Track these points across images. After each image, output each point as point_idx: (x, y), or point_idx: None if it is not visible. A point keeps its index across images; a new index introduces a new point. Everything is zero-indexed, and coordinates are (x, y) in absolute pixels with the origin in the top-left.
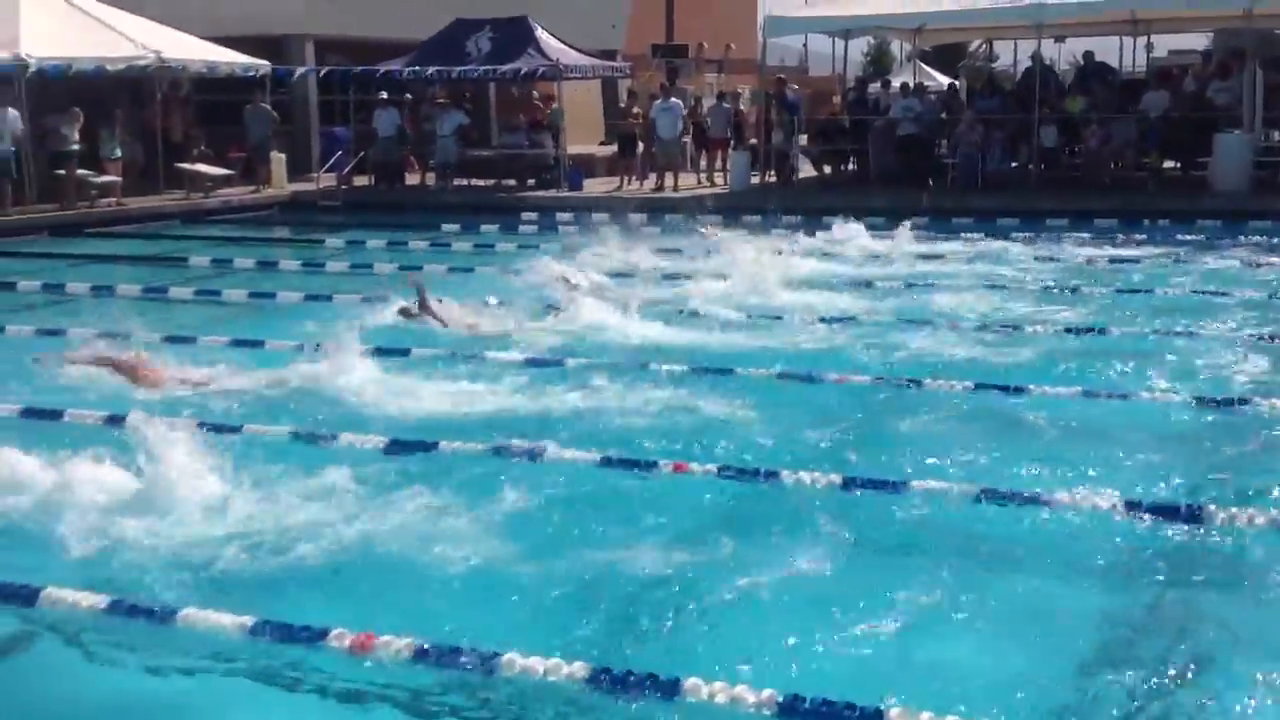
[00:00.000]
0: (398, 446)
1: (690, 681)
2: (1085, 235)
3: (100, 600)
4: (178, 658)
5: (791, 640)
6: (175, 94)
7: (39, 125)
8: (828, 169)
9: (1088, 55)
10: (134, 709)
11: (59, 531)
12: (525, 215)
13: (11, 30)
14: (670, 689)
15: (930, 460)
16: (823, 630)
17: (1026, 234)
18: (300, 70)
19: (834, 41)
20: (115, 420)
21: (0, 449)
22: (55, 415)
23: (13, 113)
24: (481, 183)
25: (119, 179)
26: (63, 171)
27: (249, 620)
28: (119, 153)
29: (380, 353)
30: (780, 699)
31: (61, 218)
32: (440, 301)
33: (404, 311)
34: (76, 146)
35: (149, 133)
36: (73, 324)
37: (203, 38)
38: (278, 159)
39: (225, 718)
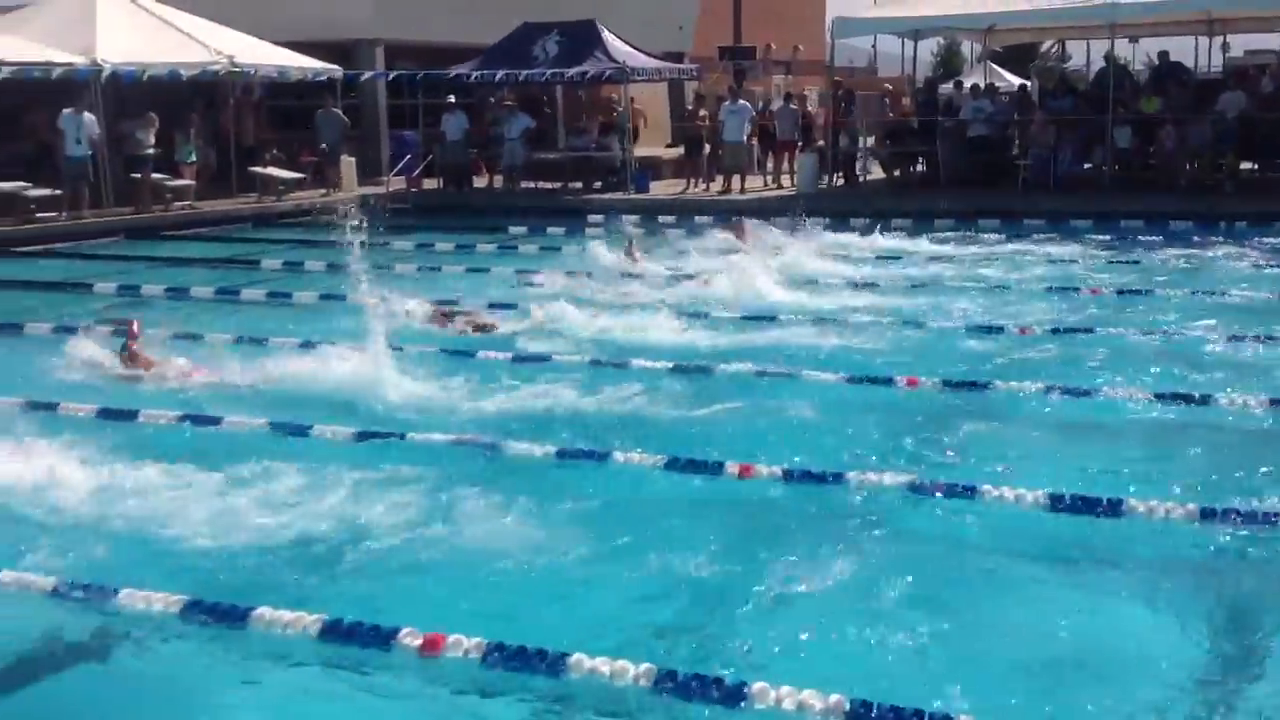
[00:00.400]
0: (463, 446)
1: (757, 685)
2: (1159, 238)
3: (176, 600)
4: (251, 657)
5: (859, 645)
6: (248, 98)
7: (115, 130)
8: (896, 171)
9: (1163, 55)
10: (207, 708)
11: (131, 532)
12: (591, 217)
13: (88, 36)
14: (737, 693)
15: (1002, 466)
16: (892, 636)
17: (1100, 236)
18: (369, 74)
19: (903, 42)
20: (199, 421)
21: (80, 449)
22: (130, 416)
23: (89, 117)
24: (549, 185)
25: (193, 183)
26: (138, 175)
27: (321, 619)
28: (193, 157)
29: (445, 353)
30: (848, 705)
31: (137, 221)
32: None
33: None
34: (152, 151)
35: (222, 137)
36: (148, 326)
37: (275, 43)
38: (348, 162)
39: (297, 717)
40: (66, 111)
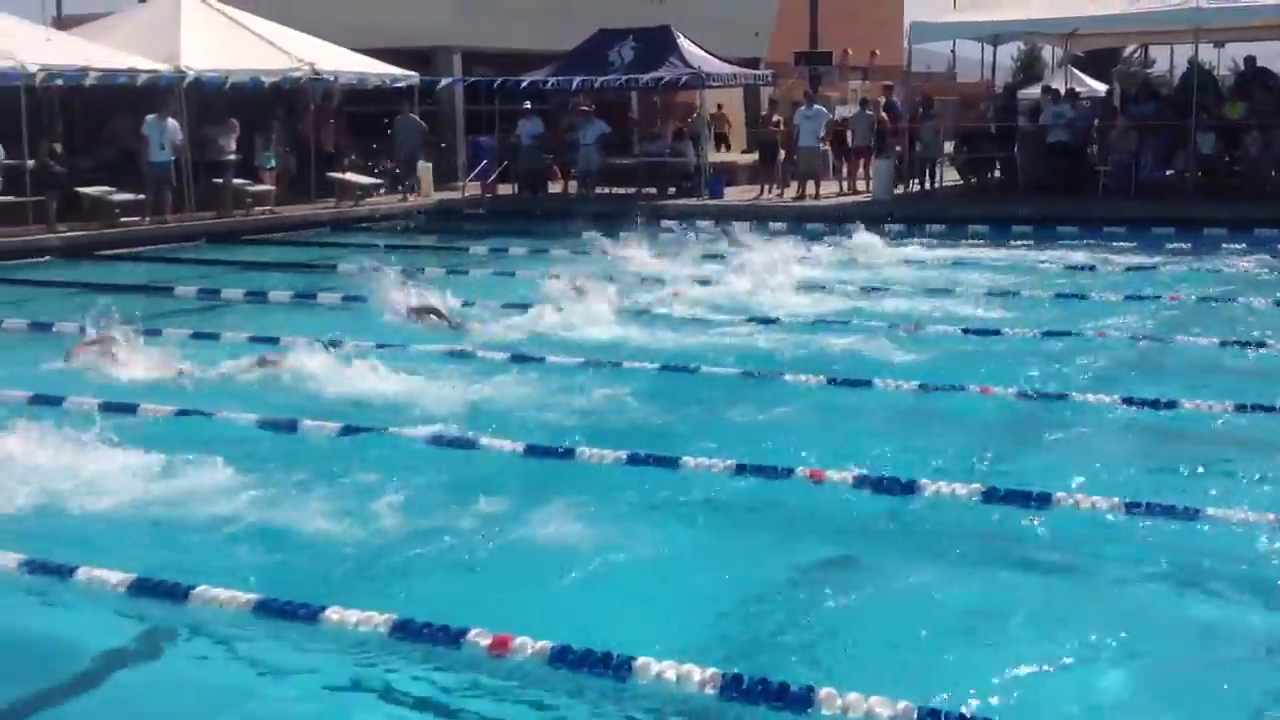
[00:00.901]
0: (535, 451)
1: (824, 691)
2: (1243, 245)
3: (248, 598)
4: (322, 655)
5: (928, 652)
6: (327, 105)
7: (197, 136)
8: (973, 177)
9: (1249, 60)
10: (278, 705)
11: (208, 532)
12: (665, 223)
13: (173, 44)
14: (804, 699)
15: (1077, 475)
16: (960, 643)
17: (1182, 243)
18: (446, 80)
19: (983, 47)
20: (274, 426)
21: (154, 448)
22: (205, 414)
23: (173, 123)
24: (623, 191)
25: (273, 188)
26: (220, 180)
27: (391, 618)
28: (273, 162)
29: (518, 359)
30: (916, 713)
31: (217, 225)
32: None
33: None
34: (233, 156)
35: (302, 143)
36: (227, 329)
37: (354, 50)
38: (425, 168)
39: (366, 714)
40: (150, 118)
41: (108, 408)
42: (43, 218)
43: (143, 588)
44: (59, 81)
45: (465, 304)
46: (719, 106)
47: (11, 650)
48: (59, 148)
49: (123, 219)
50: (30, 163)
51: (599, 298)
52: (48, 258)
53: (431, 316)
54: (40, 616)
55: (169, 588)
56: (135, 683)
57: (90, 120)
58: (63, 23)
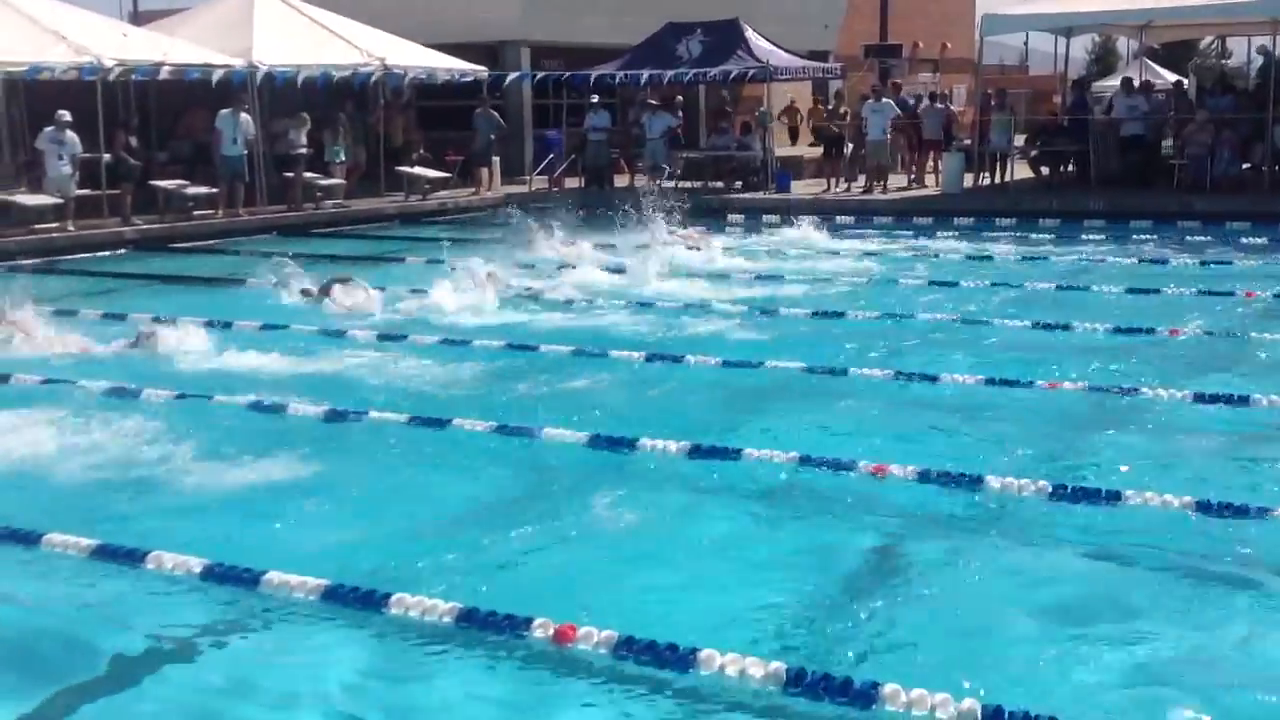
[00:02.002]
0: (598, 442)
1: (889, 687)
2: None
3: (317, 584)
4: (388, 642)
5: (994, 649)
6: (397, 99)
7: (269, 129)
8: (1045, 170)
9: None
10: (345, 692)
11: (274, 517)
12: (731, 216)
13: (245, 38)
14: (868, 695)
15: (1148, 472)
16: (1025, 642)
17: (1258, 239)
18: (514, 75)
19: (1055, 39)
20: (339, 416)
21: (231, 439)
22: (279, 410)
23: (246, 117)
24: (689, 184)
25: (343, 181)
26: (291, 174)
27: (456, 607)
28: (343, 156)
29: (580, 354)
30: (980, 711)
31: (288, 218)
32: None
33: (304, 292)
34: (304, 150)
35: (371, 137)
36: (294, 321)
37: (424, 44)
38: (493, 161)
39: (430, 700)
40: (224, 112)
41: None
42: (118, 210)
43: (213, 572)
44: (135, 76)
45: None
46: (792, 100)
47: (82, 634)
48: (134, 141)
49: (196, 212)
50: (106, 156)
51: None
52: (123, 250)
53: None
54: (112, 600)
55: (240, 572)
56: (205, 665)
57: (165, 114)
58: (139, 18)
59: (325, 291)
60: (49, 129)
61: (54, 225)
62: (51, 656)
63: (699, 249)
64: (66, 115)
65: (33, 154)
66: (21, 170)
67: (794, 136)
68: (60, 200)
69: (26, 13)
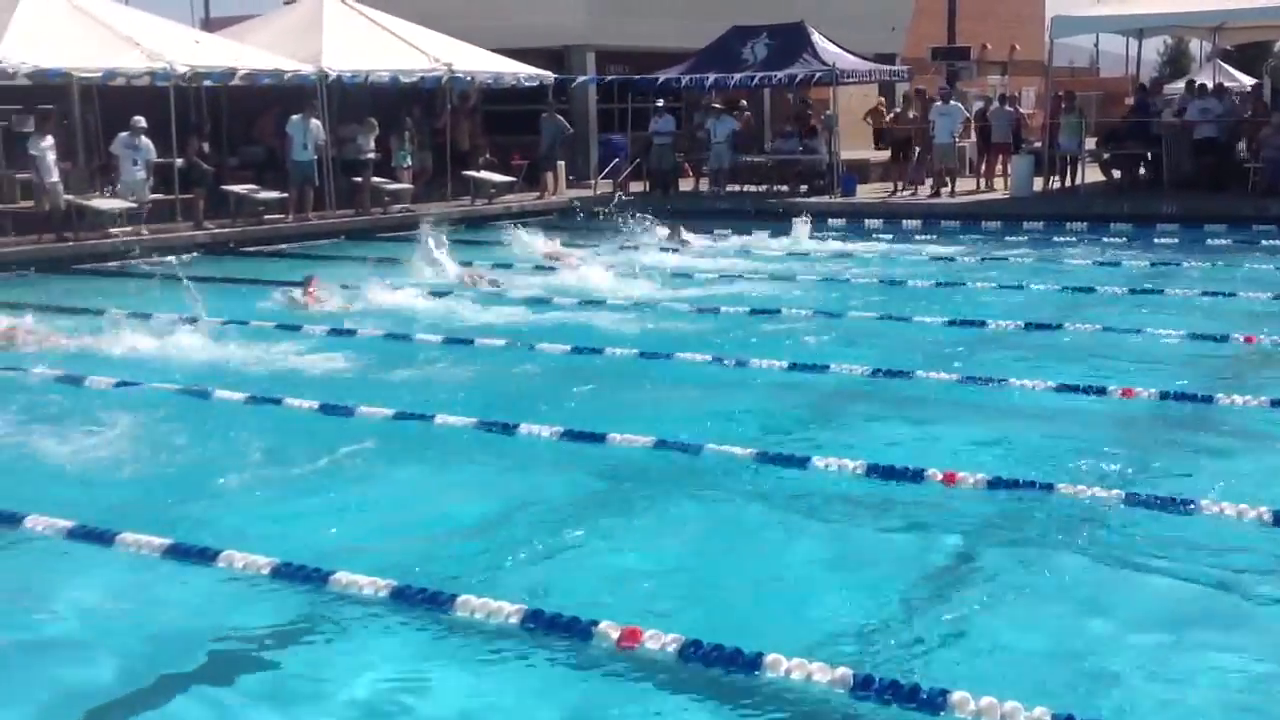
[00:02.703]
0: (663, 446)
1: (958, 695)
2: None
3: (385, 584)
4: (454, 643)
5: (1066, 659)
6: (464, 104)
7: (337, 134)
8: (1117, 173)
9: None
10: (409, 693)
11: (344, 517)
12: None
13: (314, 45)
14: (936, 702)
15: (1222, 481)
16: (1098, 651)
17: None
18: (580, 79)
19: (1127, 41)
20: (407, 417)
21: (298, 440)
22: (347, 412)
23: (316, 122)
24: (754, 188)
25: (410, 186)
26: (359, 179)
27: (522, 609)
28: (410, 161)
29: (644, 356)
30: (1051, 719)
31: (356, 223)
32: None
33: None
34: (372, 155)
35: (438, 141)
36: (361, 325)
37: (490, 49)
38: (558, 165)
39: (496, 702)
40: (295, 117)
41: None
42: (191, 215)
43: (283, 572)
44: (207, 82)
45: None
46: (880, 101)
47: (153, 632)
48: (207, 147)
49: (266, 216)
50: (179, 161)
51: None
52: (195, 254)
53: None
54: (182, 599)
55: (309, 572)
56: (273, 663)
57: (237, 119)
58: (210, 25)
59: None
60: (124, 134)
61: (128, 229)
62: (122, 654)
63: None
64: (142, 121)
65: (108, 159)
66: (97, 175)
67: (879, 138)
68: (134, 204)
69: (102, 20)
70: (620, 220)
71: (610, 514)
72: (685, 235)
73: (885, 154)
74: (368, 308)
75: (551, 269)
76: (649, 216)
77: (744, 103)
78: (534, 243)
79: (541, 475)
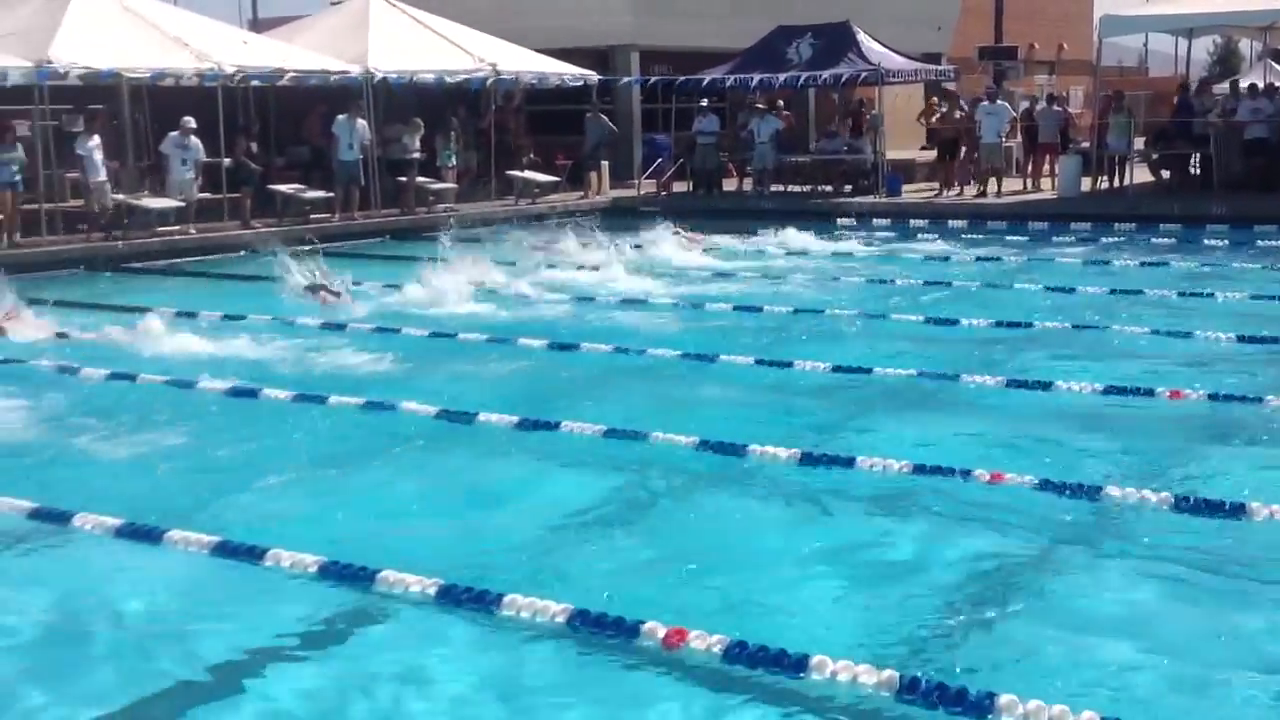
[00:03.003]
0: (707, 447)
1: (1005, 698)
2: None
3: (432, 583)
4: (499, 642)
5: (1116, 664)
6: (508, 104)
7: (383, 134)
8: (1166, 173)
9: None
10: (455, 691)
11: (389, 515)
12: (841, 221)
13: (361, 45)
14: (983, 705)
15: (1271, 486)
16: (1148, 655)
17: None
18: (624, 79)
19: (1176, 41)
20: (453, 416)
21: (343, 438)
22: (390, 408)
23: (361, 123)
24: (798, 188)
25: (455, 186)
26: (404, 178)
27: (568, 608)
28: (455, 161)
29: (689, 357)
30: None
31: (401, 222)
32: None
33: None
34: (417, 155)
35: (483, 141)
36: (408, 325)
37: (534, 50)
38: (602, 165)
39: (540, 701)
40: (341, 118)
41: None
42: (238, 214)
43: (330, 570)
44: (254, 82)
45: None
46: (933, 100)
47: (200, 629)
48: (254, 146)
49: (312, 215)
50: (227, 161)
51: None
52: (243, 252)
53: (323, 293)
54: (229, 596)
55: (355, 570)
56: (320, 661)
57: (284, 119)
58: (259, 25)
59: (314, 291)
60: (174, 134)
61: (176, 228)
62: (168, 651)
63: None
64: (191, 122)
65: (156, 158)
66: (145, 174)
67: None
68: (182, 204)
69: (151, 20)
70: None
71: (653, 514)
72: (693, 235)
73: (930, 154)
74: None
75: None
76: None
77: (781, 103)
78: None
79: (585, 474)
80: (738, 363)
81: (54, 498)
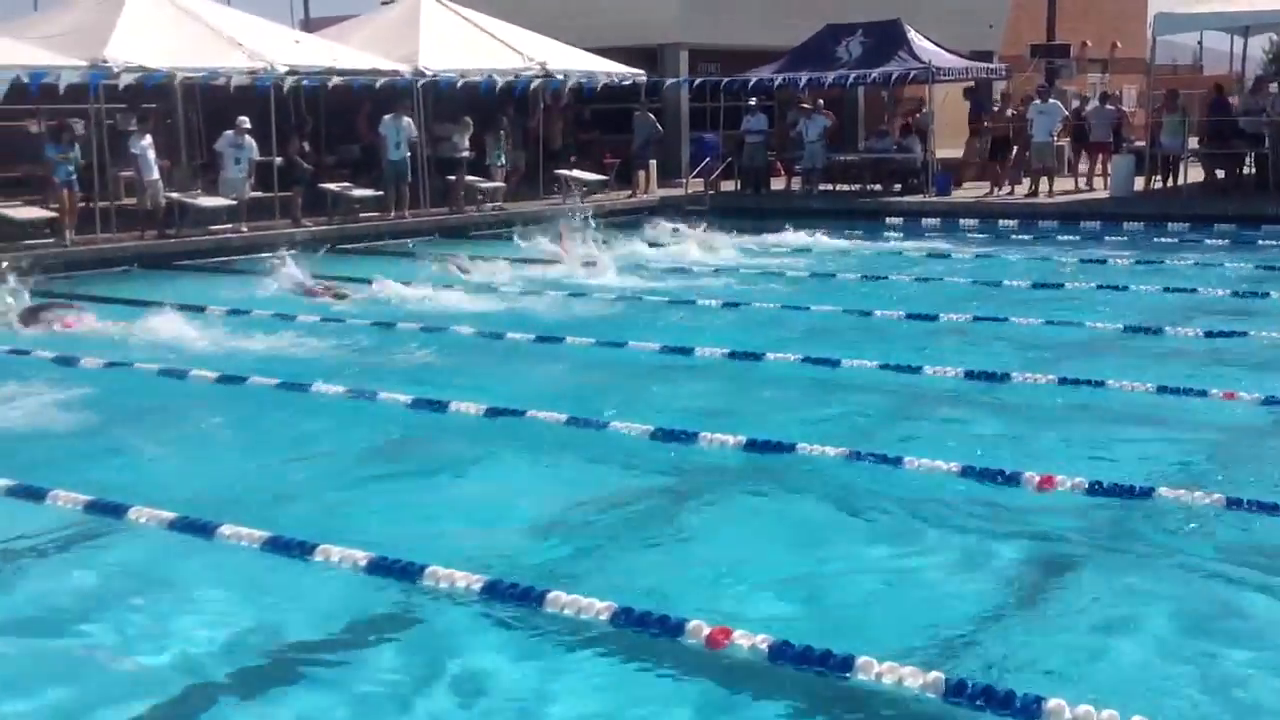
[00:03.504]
0: (754, 447)
1: (1053, 702)
2: None
3: (478, 580)
4: (543, 639)
5: (1168, 669)
6: (556, 103)
7: (433, 133)
8: (1220, 173)
9: None
10: (499, 687)
11: (436, 512)
12: (890, 220)
13: (412, 44)
14: (1031, 709)
15: None
16: (1199, 661)
17: None
18: (672, 80)
19: (1231, 39)
20: (500, 413)
21: (391, 432)
22: (440, 406)
23: (407, 121)
24: (847, 188)
25: (503, 185)
26: (453, 177)
27: (612, 606)
28: (505, 160)
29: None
30: None
31: (449, 221)
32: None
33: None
34: (466, 154)
35: (531, 140)
36: (452, 324)
37: (584, 48)
38: (650, 164)
39: (582, 699)
40: (387, 118)
41: None
42: (289, 212)
43: (378, 566)
44: (306, 82)
45: None
46: (1002, 97)
47: (248, 624)
48: (306, 145)
49: (362, 214)
50: (278, 160)
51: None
52: (294, 250)
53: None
54: (279, 591)
55: (402, 566)
56: (365, 658)
57: (335, 118)
58: (310, 25)
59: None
60: (229, 133)
61: (228, 226)
62: (218, 644)
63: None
64: (246, 122)
65: (209, 157)
66: (198, 173)
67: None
68: (234, 202)
69: (205, 20)
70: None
71: (700, 513)
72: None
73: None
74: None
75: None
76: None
77: (820, 101)
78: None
79: (631, 473)
80: (788, 359)
81: (109, 492)
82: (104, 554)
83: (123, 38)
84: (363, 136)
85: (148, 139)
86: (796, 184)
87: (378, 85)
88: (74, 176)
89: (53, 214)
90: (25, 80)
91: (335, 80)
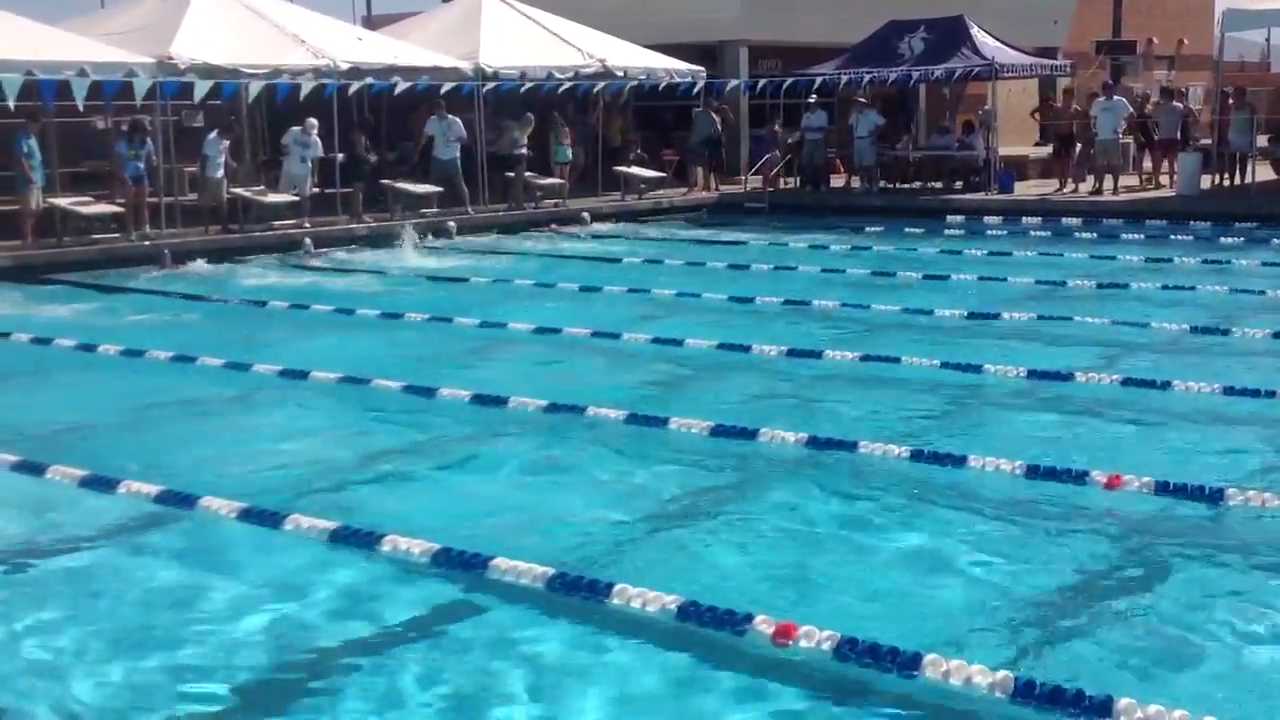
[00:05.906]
0: (817, 444)
1: (1123, 702)
2: None
3: (544, 572)
4: (608, 632)
5: (1235, 668)
6: (616, 100)
7: (494, 128)
8: None
9: None
10: (564, 680)
11: (502, 505)
12: (950, 219)
13: (473, 42)
14: (1101, 709)
15: None
16: (1266, 662)
17: None
18: (733, 83)
19: None
20: (559, 409)
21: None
22: (501, 402)
23: (453, 119)
24: (909, 185)
25: (564, 181)
26: (512, 174)
27: (678, 599)
28: (565, 156)
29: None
30: None
31: (509, 217)
32: None
33: None
34: (526, 150)
35: (591, 137)
36: (517, 320)
37: (643, 45)
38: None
39: (649, 692)
40: (432, 118)
41: None
42: (350, 208)
43: (443, 557)
44: (367, 79)
45: None
46: (1049, 96)
47: (314, 613)
48: (368, 141)
49: (422, 210)
50: (340, 156)
51: None
52: (355, 245)
53: None
54: (344, 581)
55: (469, 558)
56: (431, 650)
57: (396, 114)
58: (372, 22)
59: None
60: (296, 129)
61: (291, 221)
62: (286, 634)
63: None
64: (314, 120)
65: (272, 153)
66: (262, 170)
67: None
68: (296, 198)
69: (269, 17)
70: None
71: (764, 510)
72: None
73: (1045, 149)
74: None
75: None
76: None
77: (862, 98)
78: None
79: (695, 470)
80: (845, 359)
81: (177, 483)
82: (173, 541)
83: (188, 34)
84: (417, 134)
85: (225, 143)
86: (856, 182)
87: (443, 91)
88: (144, 173)
89: (119, 209)
90: (91, 76)
91: (395, 79)
